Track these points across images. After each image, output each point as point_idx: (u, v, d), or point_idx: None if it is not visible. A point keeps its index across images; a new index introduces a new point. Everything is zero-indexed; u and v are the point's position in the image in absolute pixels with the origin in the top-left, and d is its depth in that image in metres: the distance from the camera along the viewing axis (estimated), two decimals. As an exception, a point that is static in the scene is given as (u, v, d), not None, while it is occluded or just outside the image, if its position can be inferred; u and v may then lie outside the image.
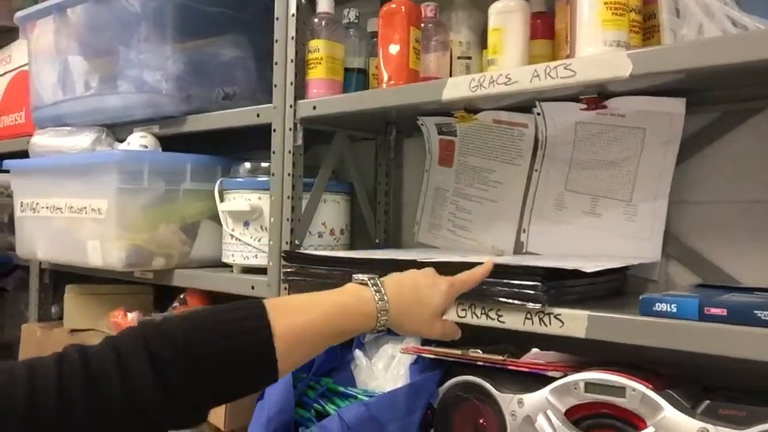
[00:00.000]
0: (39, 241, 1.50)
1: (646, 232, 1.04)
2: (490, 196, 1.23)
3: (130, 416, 0.56)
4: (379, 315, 0.70)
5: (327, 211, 1.26)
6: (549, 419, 0.78)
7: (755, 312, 0.70)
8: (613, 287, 1.00)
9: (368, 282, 0.73)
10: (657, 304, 0.76)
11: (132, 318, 1.41)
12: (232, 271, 1.29)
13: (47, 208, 1.45)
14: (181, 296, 1.42)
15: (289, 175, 1.16)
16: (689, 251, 1.02)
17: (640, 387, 0.74)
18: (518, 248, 1.19)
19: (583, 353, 0.92)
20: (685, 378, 0.85)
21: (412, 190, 1.36)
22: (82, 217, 1.36)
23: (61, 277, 1.68)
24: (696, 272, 1.01)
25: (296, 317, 0.66)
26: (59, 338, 1.52)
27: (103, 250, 1.32)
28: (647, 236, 1.04)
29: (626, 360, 0.85)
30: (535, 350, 0.87)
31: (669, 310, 0.75)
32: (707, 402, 0.76)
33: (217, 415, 1.13)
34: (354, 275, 0.76)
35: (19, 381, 0.53)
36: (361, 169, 1.37)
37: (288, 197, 1.15)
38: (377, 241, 1.35)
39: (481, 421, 0.88)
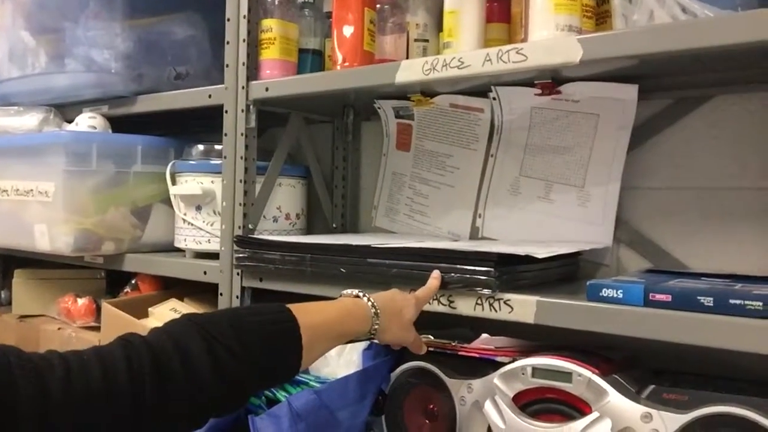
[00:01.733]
0: (-15, 224, 1.45)
1: (598, 218, 1.04)
2: (446, 181, 1.23)
3: (192, 396, 0.61)
4: (372, 320, 0.80)
5: (282, 195, 1.24)
6: (497, 404, 0.78)
7: (698, 298, 0.70)
8: (566, 272, 1.01)
9: (360, 294, 0.82)
10: (604, 290, 0.77)
11: (83, 303, 1.38)
12: (184, 256, 1.26)
13: (-8, 190, 1.40)
14: (133, 281, 1.39)
15: (241, 158, 1.13)
16: (640, 236, 1.03)
17: (586, 372, 0.75)
18: (474, 233, 1.19)
19: (538, 338, 0.93)
20: (635, 362, 0.86)
21: (370, 174, 1.34)
22: (28, 200, 1.32)
23: (12, 262, 1.63)
24: (647, 257, 1.02)
25: (314, 316, 0.73)
26: (8, 324, 1.48)
27: (50, 235, 1.28)
28: (599, 221, 1.04)
29: (577, 345, 0.85)
30: (484, 335, 0.87)
31: (615, 295, 0.76)
32: (652, 386, 0.77)
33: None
34: (343, 291, 0.84)
35: (90, 366, 0.56)
36: (318, 152, 1.35)
37: (240, 181, 1.13)
38: (334, 225, 1.34)
39: (431, 406, 0.88)
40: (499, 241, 1.14)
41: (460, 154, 1.20)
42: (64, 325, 1.38)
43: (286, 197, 1.25)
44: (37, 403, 0.52)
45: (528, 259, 0.84)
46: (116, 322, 1.20)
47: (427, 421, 0.88)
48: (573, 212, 1.07)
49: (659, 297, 0.73)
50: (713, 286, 0.75)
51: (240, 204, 1.13)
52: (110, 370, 0.57)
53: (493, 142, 1.15)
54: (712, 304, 0.70)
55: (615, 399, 0.72)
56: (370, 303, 0.80)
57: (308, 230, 1.33)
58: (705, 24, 0.73)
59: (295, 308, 0.72)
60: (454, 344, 0.85)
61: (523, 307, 0.81)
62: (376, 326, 0.80)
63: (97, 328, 1.32)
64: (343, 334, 0.78)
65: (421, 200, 1.26)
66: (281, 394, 0.95)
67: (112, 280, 1.52)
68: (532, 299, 0.81)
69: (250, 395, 0.69)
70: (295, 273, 1.01)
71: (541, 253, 0.85)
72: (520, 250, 0.85)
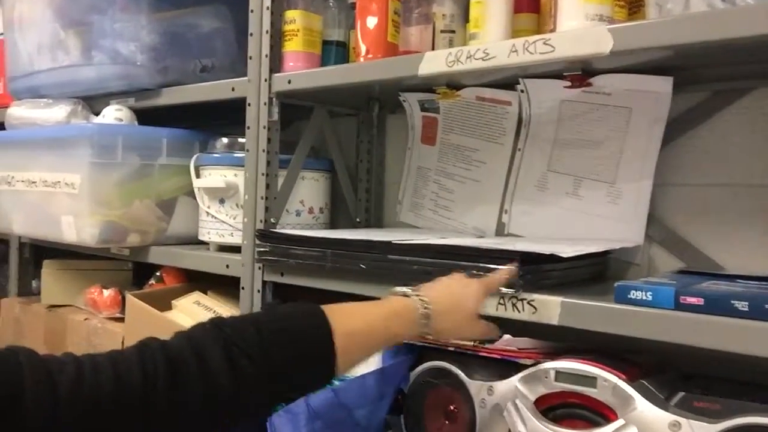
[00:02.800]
0: (15, 215, 1.47)
1: (629, 215, 1.00)
2: (472, 176, 1.20)
3: (207, 403, 0.59)
4: (422, 321, 0.74)
5: (305, 188, 1.23)
6: (517, 408, 0.76)
7: (732, 302, 0.67)
8: (594, 271, 0.97)
9: (409, 292, 0.76)
10: (632, 292, 0.73)
11: (108, 295, 1.39)
12: (208, 249, 1.26)
13: (22, 181, 1.42)
14: (158, 273, 1.40)
15: (264, 151, 1.12)
16: (673, 235, 0.99)
17: (612, 377, 0.72)
18: (500, 230, 1.16)
19: (563, 340, 0.90)
20: (664, 366, 0.83)
21: (395, 168, 1.32)
22: (56, 192, 1.33)
23: (42, 252, 1.66)
24: (679, 257, 0.98)
25: (353, 320, 0.69)
26: (37, 314, 1.50)
27: (77, 226, 1.29)
28: (630, 219, 1.00)
29: (604, 347, 0.82)
30: (507, 336, 0.85)
31: (644, 298, 0.72)
32: (682, 394, 0.74)
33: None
34: (393, 288, 0.79)
35: (102, 369, 0.55)
36: (342, 145, 1.33)
37: (263, 174, 1.12)
38: (358, 220, 1.32)
39: (451, 407, 0.86)
40: (526, 238, 1.11)
41: (486, 149, 1.17)
42: (90, 315, 1.40)
43: (309, 191, 1.24)
44: (45, 403, 0.52)
45: (553, 258, 0.81)
46: (140, 314, 1.21)
47: (446, 422, 0.86)
48: (603, 209, 1.03)
49: (691, 300, 0.69)
50: (748, 289, 0.71)
51: (262, 198, 1.12)
52: (123, 374, 0.55)
53: (520, 136, 1.12)
54: (747, 309, 0.66)
55: (642, 406, 0.69)
56: (420, 303, 0.74)
57: (332, 225, 1.31)
58: (744, 12, 0.69)
59: (333, 312, 0.68)
60: (475, 344, 0.83)
61: (547, 307, 0.78)
62: (428, 327, 0.74)
63: (122, 320, 1.32)
64: (388, 339, 0.73)
65: (446, 195, 1.24)
66: (300, 391, 0.94)
67: (139, 272, 1.53)
68: (556, 300, 0.78)
69: (274, 404, 0.67)
70: (315, 268, 0.99)
71: (567, 252, 0.82)
72: (546, 249, 0.82)
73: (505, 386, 0.78)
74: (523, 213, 1.13)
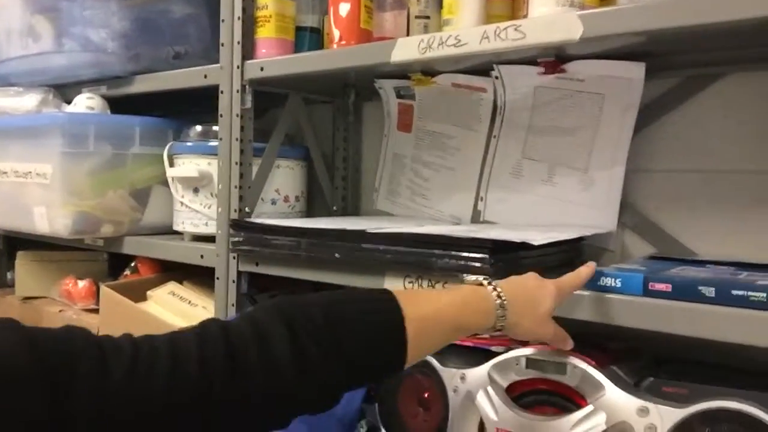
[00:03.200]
0: (-14, 206, 1.45)
1: (602, 202, 1.01)
2: (448, 164, 1.19)
3: (267, 389, 0.54)
4: (498, 312, 0.68)
5: (281, 177, 1.22)
6: (489, 395, 0.76)
7: (700, 288, 0.67)
8: (567, 258, 0.97)
9: (483, 281, 0.70)
10: (602, 279, 0.74)
11: (83, 286, 1.37)
12: (183, 239, 1.25)
13: (-7, 172, 1.39)
14: (132, 264, 1.38)
15: (237, 139, 1.11)
16: (646, 221, 0.99)
17: (582, 364, 0.72)
18: (476, 217, 1.16)
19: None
20: (637, 351, 0.83)
21: (372, 156, 1.32)
22: (27, 182, 1.31)
23: (16, 243, 1.63)
24: (652, 243, 0.99)
25: (423, 306, 0.64)
26: (11, 306, 1.48)
27: (49, 217, 1.27)
28: (603, 206, 1.01)
29: (577, 333, 0.82)
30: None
31: (614, 285, 0.73)
32: (651, 379, 0.74)
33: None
34: (466, 277, 0.74)
35: (161, 353, 0.52)
36: (318, 133, 1.32)
37: (236, 163, 1.11)
38: (335, 208, 1.32)
39: (425, 395, 0.86)
40: (501, 225, 1.11)
41: (462, 136, 1.17)
42: (66, 307, 1.38)
43: (284, 179, 1.23)
44: (95, 384, 0.48)
45: (525, 246, 0.81)
46: (114, 306, 1.19)
47: (421, 410, 0.86)
48: (576, 196, 1.03)
49: (659, 286, 0.70)
50: (716, 275, 0.71)
51: (236, 187, 1.11)
52: (180, 361, 0.51)
53: (495, 123, 1.12)
54: (713, 295, 0.67)
55: (611, 392, 0.70)
56: (495, 292, 0.68)
57: (308, 213, 1.31)
58: (713, -2, 0.69)
59: (403, 296, 0.63)
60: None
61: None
62: (503, 320, 0.68)
63: (98, 311, 1.31)
64: (459, 328, 0.67)
65: (422, 183, 1.23)
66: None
67: (114, 262, 1.52)
68: (527, 288, 0.78)
69: (341, 393, 0.60)
70: (290, 258, 0.99)
71: (538, 239, 0.82)
72: (517, 237, 0.82)
73: (477, 373, 0.79)
74: (498, 200, 1.13)
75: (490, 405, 0.75)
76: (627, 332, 0.80)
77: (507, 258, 0.82)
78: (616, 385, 0.70)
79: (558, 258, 0.93)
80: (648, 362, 0.81)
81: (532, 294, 0.71)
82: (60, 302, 1.40)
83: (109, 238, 1.31)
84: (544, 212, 1.07)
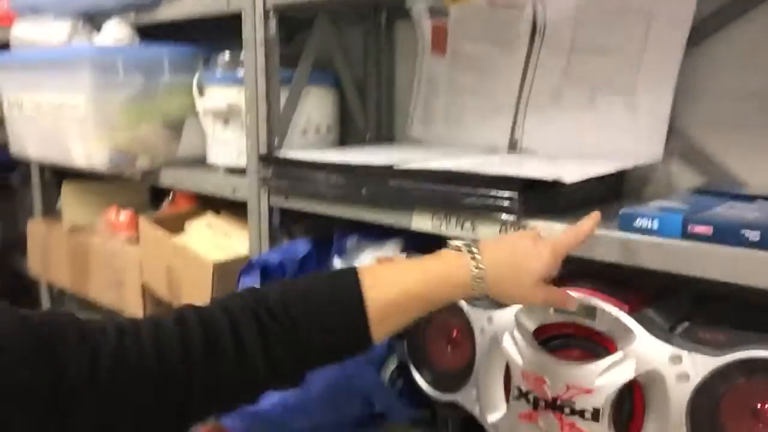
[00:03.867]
0: (28, 139, 1.47)
1: (647, 128, 0.94)
2: (484, 88, 1.13)
3: (240, 376, 0.60)
4: (473, 283, 0.66)
5: (310, 106, 1.18)
6: (515, 339, 0.74)
7: (742, 231, 0.62)
8: (607, 190, 0.92)
9: (462, 248, 0.67)
10: (638, 220, 0.69)
11: (125, 216, 1.40)
12: (217, 171, 1.24)
13: (31, 104, 1.40)
14: (170, 195, 1.39)
15: (262, 69, 1.07)
16: (694, 149, 0.92)
17: (612, 309, 0.69)
18: (513, 145, 1.10)
19: (571, 264, 0.87)
20: (674, 291, 0.80)
21: (405, 79, 1.26)
22: (62, 115, 1.31)
23: (64, 171, 1.66)
24: (700, 172, 0.92)
25: (389, 288, 0.64)
26: (61, 237, 1.53)
27: (86, 151, 1.28)
28: (649, 132, 0.94)
29: (612, 271, 0.79)
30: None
31: (650, 226, 0.68)
32: (687, 324, 0.71)
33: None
34: (449, 241, 0.70)
35: (144, 341, 0.56)
36: (348, 57, 1.26)
37: (263, 94, 1.07)
38: (368, 136, 1.28)
39: (454, 333, 0.85)
40: (538, 155, 1.06)
41: (498, 58, 1.10)
42: (110, 238, 1.42)
43: (315, 108, 1.19)
44: (85, 364, 0.52)
45: (557, 183, 0.76)
46: (153, 239, 1.21)
47: (449, 347, 0.86)
48: (620, 122, 0.97)
49: (699, 229, 0.65)
50: (764, 215, 0.66)
51: (263, 119, 1.08)
52: (164, 348, 0.56)
53: (534, 44, 1.04)
54: (758, 239, 0.62)
55: (641, 338, 0.67)
56: (473, 263, 0.65)
57: (341, 142, 1.28)
58: None
59: (368, 277, 0.64)
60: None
61: (550, 235, 0.75)
62: (481, 290, 0.65)
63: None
64: (432, 304, 0.66)
65: (457, 108, 1.18)
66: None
67: (156, 192, 1.53)
68: (558, 228, 0.74)
69: (309, 372, 0.65)
70: (317, 193, 0.97)
71: (573, 175, 0.77)
72: (550, 173, 0.77)
73: (504, 316, 0.77)
74: (536, 127, 1.07)
75: (515, 348, 0.74)
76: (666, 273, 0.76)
77: (537, 196, 0.78)
78: (647, 330, 0.67)
79: (596, 193, 0.88)
80: (686, 305, 0.78)
81: (518, 259, 0.67)
82: (105, 233, 1.44)
83: (145, 171, 1.32)
84: (585, 139, 1.01)
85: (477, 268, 0.65)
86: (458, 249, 0.67)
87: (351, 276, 0.64)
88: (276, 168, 1.03)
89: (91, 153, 1.27)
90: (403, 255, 0.95)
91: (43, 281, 1.71)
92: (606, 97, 0.98)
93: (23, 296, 1.82)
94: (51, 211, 1.65)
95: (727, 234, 0.63)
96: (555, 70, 1.03)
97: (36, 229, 1.63)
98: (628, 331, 0.68)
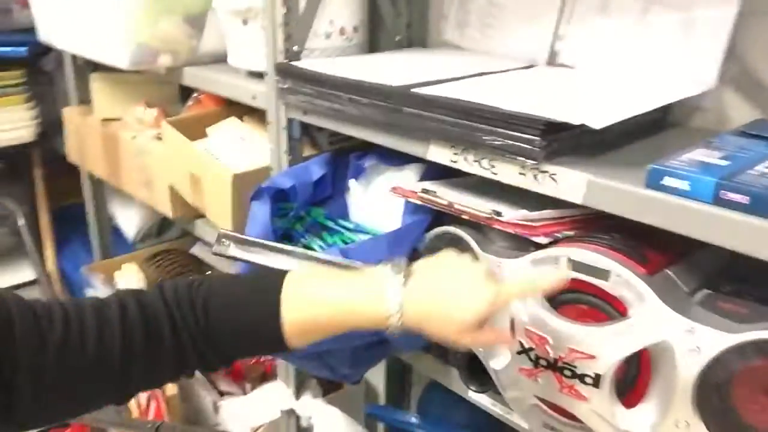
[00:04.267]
0: (55, 27, 1.43)
1: (703, 50, 0.84)
2: (525, -10, 1.02)
3: (174, 359, 0.64)
4: (390, 318, 0.63)
5: (335, 5, 1.09)
6: (522, 294, 0.71)
7: (783, 206, 0.55)
8: (648, 123, 0.84)
9: (392, 273, 0.64)
10: (666, 178, 0.62)
11: (153, 113, 1.38)
12: (238, 75, 1.19)
13: (54, -7, 1.35)
14: (195, 94, 1.36)
15: (279, -32, 0.98)
16: (753, 78, 0.82)
17: (626, 272, 0.64)
18: (552, 58, 1.01)
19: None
20: (704, 249, 0.73)
21: (441, -26, 1.14)
22: (84, 8, 1.26)
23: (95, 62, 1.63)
24: (758, 105, 0.82)
25: (306, 311, 0.65)
26: (93, 127, 1.52)
27: (107, 46, 1.24)
28: (704, 55, 0.84)
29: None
30: (523, 211, 0.76)
31: (680, 187, 0.61)
32: (707, 291, 0.66)
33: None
34: (389, 262, 0.67)
35: (88, 331, 0.60)
36: (379, -52, 1.15)
37: (280, -4, 0.99)
38: (398, 38, 1.19)
39: (466, 273, 0.82)
40: (578, 68, 0.96)
41: (542, -43, 0.97)
42: (138, 132, 1.40)
43: (339, 8, 1.10)
44: (33, 351, 0.56)
45: (582, 128, 0.69)
46: (175, 142, 1.19)
47: (461, 285, 0.83)
48: (673, 40, 0.86)
49: (734, 197, 0.58)
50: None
51: (280, 24, 1.01)
52: (106, 338, 0.60)
53: (584, -57, 0.92)
54: (800, 215, 0.55)
55: (653, 306, 0.62)
56: (393, 297, 0.62)
57: (370, 45, 1.19)
58: None
59: (294, 291, 0.64)
60: (489, 215, 0.75)
61: (570, 184, 0.69)
62: (397, 325, 0.62)
63: (167, 139, 1.32)
64: (350, 329, 0.65)
65: (494, 12, 1.07)
66: (317, 243, 0.93)
67: (185, 88, 1.49)
68: (581, 177, 0.68)
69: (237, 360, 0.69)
70: (333, 111, 0.92)
71: (606, 115, 0.69)
72: (577, 113, 0.70)
73: (515, 266, 0.73)
74: (579, 39, 0.97)
75: (522, 303, 0.70)
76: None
77: (563, 138, 0.71)
78: (662, 298, 0.63)
79: (634, 126, 0.80)
80: (714, 265, 0.71)
81: (448, 297, 0.62)
82: (134, 127, 1.42)
83: (169, 68, 1.27)
84: (632, 57, 0.91)
85: (396, 302, 0.62)
86: (389, 274, 0.64)
87: (273, 293, 0.65)
88: (293, 81, 0.96)
89: (112, 49, 1.23)
90: (421, 183, 0.90)
91: (83, 168, 1.73)
92: (660, 12, 0.86)
93: (68, 178, 1.86)
94: (86, 99, 1.63)
95: (764, 206, 0.56)
96: (604, -23, 0.90)
97: (71, 117, 1.63)
98: (640, 297, 0.63)
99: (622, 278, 0.64)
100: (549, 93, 0.81)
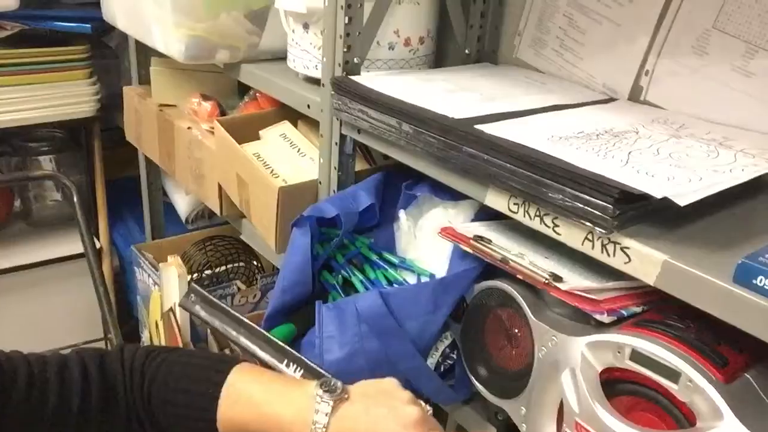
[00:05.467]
0: (118, 9, 1.40)
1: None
2: (613, 15, 0.92)
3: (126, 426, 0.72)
4: None
5: (402, 14, 1.01)
6: (575, 380, 0.63)
7: None
8: (740, 186, 0.74)
9: (324, 397, 0.64)
10: (759, 278, 0.53)
11: (208, 107, 1.34)
12: (295, 79, 1.13)
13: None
14: (251, 91, 1.31)
15: (344, -25, 0.91)
16: None
17: (700, 380, 0.56)
18: (635, 93, 0.91)
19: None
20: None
21: (520, -13, 1.05)
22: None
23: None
24: None
25: (240, 413, 0.68)
26: (150, 110, 1.50)
27: (164, 38, 1.20)
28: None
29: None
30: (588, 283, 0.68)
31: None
32: (794, 408, 0.57)
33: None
34: (323, 378, 0.67)
35: (50, 392, 0.67)
36: (455, -45, 1.06)
37: (341, 6, 0.92)
38: (467, 52, 1.10)
39: (516, 330, 0.75)
40: (664, 110, 0.86)
41: (636, -18, 0.87)
42: (193, 124, 1.37)
43: (406, 18, 1.02)
44: None
45: (664, 201, 0.60)
46: (225, 143, 1.15)
47: (508, 345, 0.76)
48: (778, 93, 0.76)
49: (842, 314, 0.49)
50: None
51: (341, 36, 0.94)
52: (65, 404, 0.67)
53: (686, -29, 0.81)
54: None
55: (730, 425, 0.54)
56: (321, 422, 0.62)
57: (437, 57, 1.11)
58: None
59: (233, 389, 0.68)
60: (545, 281, 0.68)
61: (643, 261, 0.61)
62: None
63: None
64: None
65: (575, 35, 0.98)
66: (357, 278, 0.87)
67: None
68: (657, 257, 0.59)
69: None
70: (386, 136, 0.85)
71: (691, 189, 0.61)
72: (660, 185, 0.61)
73: (569, 346, 0.65)
74: (669, 78, 0.87)
75: (574, 391, 0.63)
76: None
77: (638, 207, 0.62)
78: (737, 415, 0.54)
79: (722, 195, 0.70)
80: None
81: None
82: (188, 119, 1.39)
83: (227, 64, 1.23)
84: (727, 108, 0.81)
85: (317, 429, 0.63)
86: (322, 398, 0.64)
87: (215, 387, 0.69)
88: (348, 98, 0.90)
89: (169, 41, 1.19)
90: (475, 225, 0.83)
91: (140, 149, 1.72)
92: (765, 59, 0.76)
93: (126, 149, 1.85)
94: (148, 79, 1.61)
95: None
96: (705, 12, 0.80)
97: (131, 97, 1.61)
98: (715, 413, 0.55)
99: (695, 386, 0.56)
100: (629, 143, 0.72)
